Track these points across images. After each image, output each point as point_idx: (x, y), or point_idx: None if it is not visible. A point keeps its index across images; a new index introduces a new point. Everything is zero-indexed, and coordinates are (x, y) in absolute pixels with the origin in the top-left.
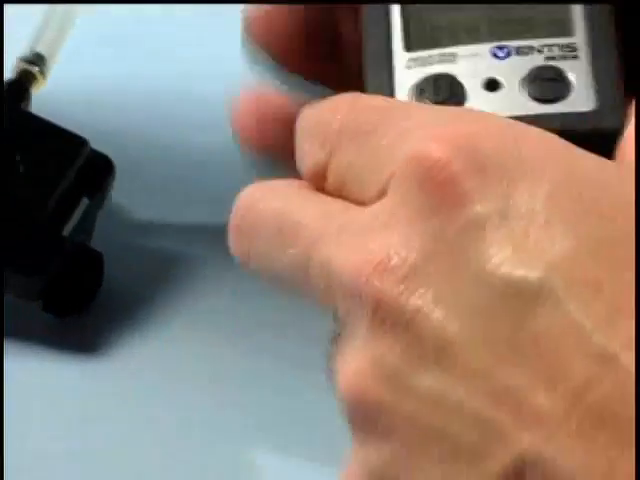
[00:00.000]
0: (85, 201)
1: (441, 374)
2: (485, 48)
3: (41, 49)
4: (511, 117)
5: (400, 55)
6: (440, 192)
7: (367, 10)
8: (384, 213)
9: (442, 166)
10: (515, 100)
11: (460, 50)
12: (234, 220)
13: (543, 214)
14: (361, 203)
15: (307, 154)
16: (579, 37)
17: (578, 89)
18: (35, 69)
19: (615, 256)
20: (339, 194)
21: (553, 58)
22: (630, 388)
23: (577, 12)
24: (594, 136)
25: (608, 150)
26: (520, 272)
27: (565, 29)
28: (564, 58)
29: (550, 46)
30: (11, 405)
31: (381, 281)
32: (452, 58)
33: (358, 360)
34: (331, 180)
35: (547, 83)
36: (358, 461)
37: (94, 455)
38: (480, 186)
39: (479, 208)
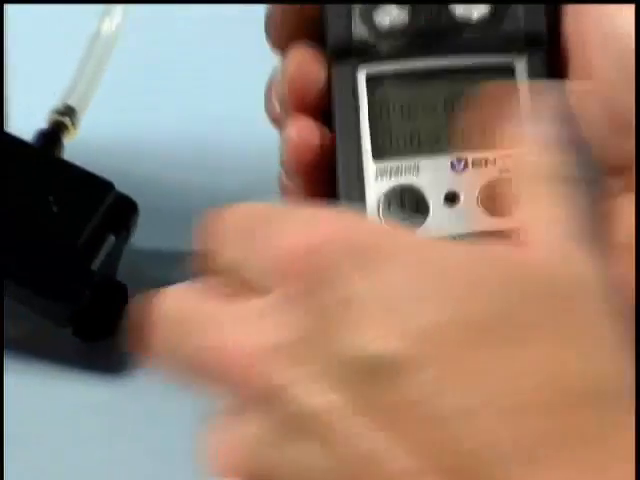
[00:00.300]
0: (112, 238)
1: (310, 446)
2: (445, 160)
3: (72, 102)
4: (468, 234)
5: (369, 164)
6: (306, 282)
7: (338, 117)
8: (265, 307)
9: (307, 262)
10: (472, 214)
11: (422, 162)
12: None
13: (396, 295)
14: (254, 293)
15: (204, 255)
16: None
17: None
18: (67, 120)
19: (474, 329)
20: (230, 287)
21: (507, 170)
22: (486, 441)
23: None
24: None
25: None
26: (379, 349)
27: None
28: None
29: (504, 158)
30: (42, 425)
31: (258, 365)
32: (416, 170)
33: (230, 439)
34: (223, 276)
35: (501, 198)
36: None
37: (122, 474)
38: (342, 275)
39: (341, 293)
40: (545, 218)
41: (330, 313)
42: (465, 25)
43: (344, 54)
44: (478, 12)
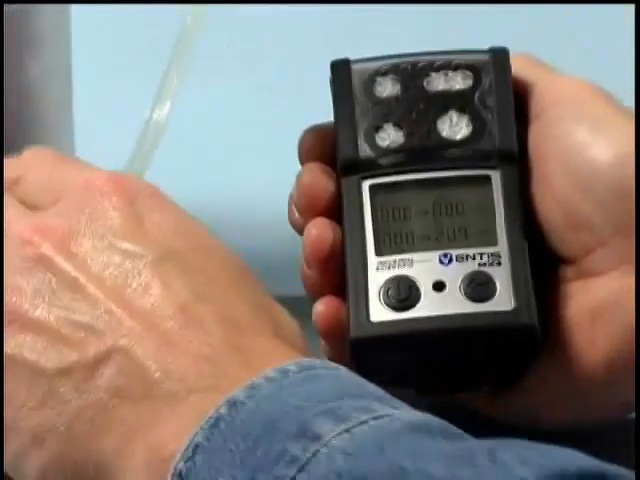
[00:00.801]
0: None
1: (70, 297)
2: (434, 255)
3: (135, 165)
4: (453, 315)
5: (372, 259)
6: (89, 195)
7: (346, 220)
8: (48, 211)
9: (93, 185)
10: (456, 300)
11: (415, 256)
12: None
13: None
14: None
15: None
16: (502, 246)
17: (501, 291)
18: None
19: (192, 248)
20: (25, 200)
21: (484, 264)
22: (195, 320)
23: (500, 222)
24: (512, 330)
25: (525, 341)
26: (133, 244)
27: (492, 239)
28: (492, 265)
29: (481, 254)
30: None
31: (38, 239)
32: (410, 263)
33: (14, 290)
34: (19, 192)
35: (479, 287)
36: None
37: None
38: (120, 197)
39: (117, 204)
40: None
41: (99, 211)
42: (450, 144)
43: (351, 168)
44: (461, 133)
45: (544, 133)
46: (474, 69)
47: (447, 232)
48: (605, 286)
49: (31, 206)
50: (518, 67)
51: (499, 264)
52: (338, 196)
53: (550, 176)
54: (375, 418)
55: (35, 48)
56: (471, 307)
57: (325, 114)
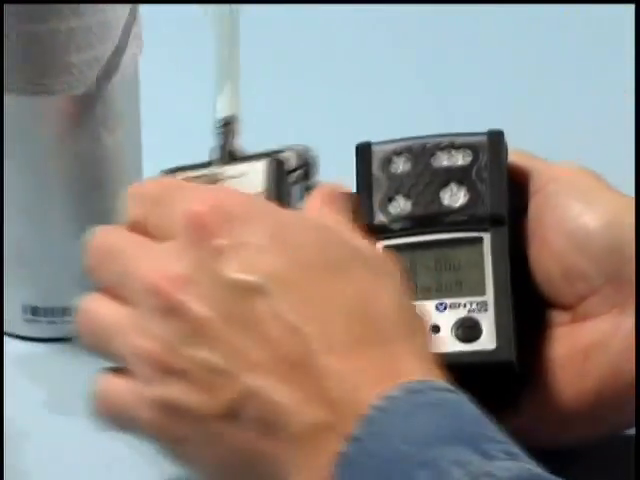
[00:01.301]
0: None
1: (198, 343)
2: (432, 303)
3: (227, 113)
4: (445, 354)
5: None
6: (198, 233)
7: None
8: (167, 245)
9: (201, 219)
10: (448, 340)
11: (417, 304)
12: (88, 256)
13: (257, 244)
14: (159, 239)
15: (128, 215)
16: (489, 295)
17: (486, 333)
18: (233, 128)
19: (309, 275)
20: (151, 231)
21: (473, 311)
22: (309, 350)
23: (489, 275)
24: (493, 365)
25: (505, 374)
26: (243, 275)
27: (481, 290)
28: (479, 311)
29: (471, 302)
30: None
31: (164, 285)
32: None
33: (152, 338)
34: (146, 224)
35: (467, 329)
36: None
37: None
38: (225, 230)
39: (222, 241)
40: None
41: (215, 252)
42: (450, 211)
43: (368, 232)
44: (460, 201)
45: (543, 204)
46: (473, 148)
47: (445, 284)
48: (598, 327)
49: (143, 231)
50: (517, 159)
51: (486, 310)
52: None
53: (549, 239)
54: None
55: (110, 123)
56: (460, 346)
57: None
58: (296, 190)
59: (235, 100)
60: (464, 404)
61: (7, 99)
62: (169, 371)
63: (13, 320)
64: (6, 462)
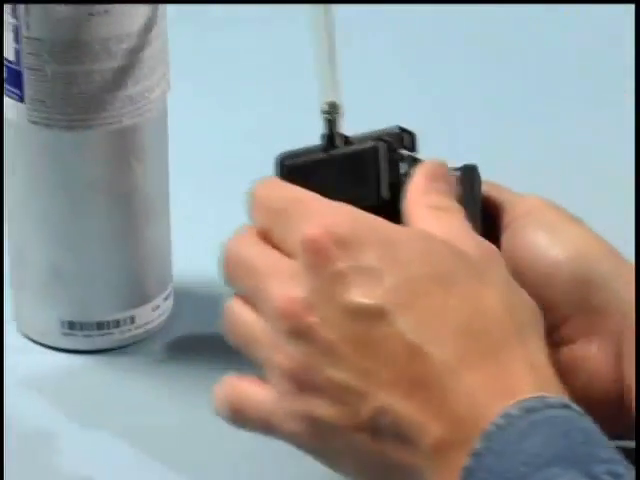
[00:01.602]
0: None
1: (330, 363)
2: None
3: (330, 99)
4: None
5: None
6: (318, 259)
7: None
8: (291, 270)
9: (319, 245)
10: None
11: None
12: (224, 267)
13: (369, 267)
14: (285, 253)
15: (256, 223)
16: None
17: None
18: (336, 115)
19: (421, 290)
20: (274, 245)
21: None
22: (431, 369)
23: None
24: None
25: None
26: (365, 300)
27: None
28: None
29: None
30: None
31: (290, 307)
32: None
33: (289, 358)
34: (271, 237)
35: None
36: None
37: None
38: (342, 254)
39: (341, 265)
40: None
41: (334, 278)
42: None
43: None
44: None
45: (513, 239)
46: None
47: None
48: (570, 353)
49: (269, 240)
50: (489, 190)
51: None
52: None
53: (520, 272)
54: None
55: (140, 154)
56: None
57: None
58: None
59: (338, 86)
60: (576, 421)
61: (47, 134)
62: (307, 388)
63: (52, 334)
64: (41, 470)
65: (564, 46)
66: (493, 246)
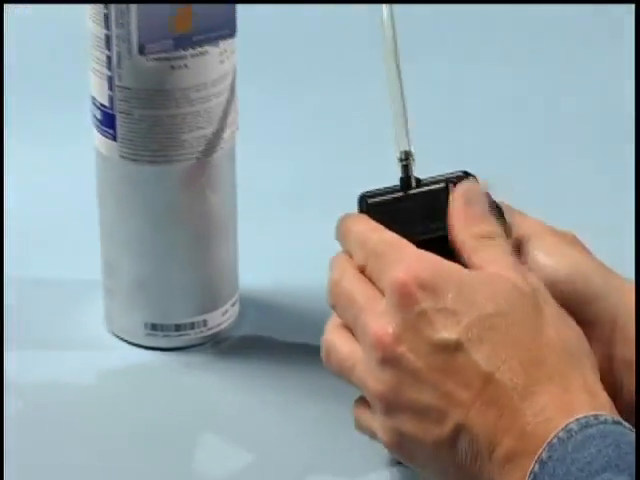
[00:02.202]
0: None
1: (416, 387)
2: None
3: (404, 148)
4: None
5: None
6: (405, 300)
7: None
8: (384, 306)
9: (407, 289)
10: None
11: None
12: (330, 294)
13: (448, 308)
14: (377, 288)
15: (355, 257)
16: None
17: None
18: (411, 161)
19: (491, 326)
20: (370, 278)
21: None
22: (502, 392)
23: None
24: None
25: None
26: (445, 335)
27: None
28: None
29: None
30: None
31: (383, 339)
32: None
33: (381, 382)
34: (367, 272)
35: None
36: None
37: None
38: (425, 296)
39: (424, 306)
40: (501, 259)
41: (419, 317)
42: None
43: None
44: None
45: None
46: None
47: None
48: None
49: (365, 273)
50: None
51: None
52: None
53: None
54: None
55: (213, 185)
56: None
57: None
58: None
59: (410, 135)
60: (625, 435)
61: (134, 167)
62: (396, 407)
63: (137, 334)
64: (127, 448)
65: (564, 46)
66: (536, 277)
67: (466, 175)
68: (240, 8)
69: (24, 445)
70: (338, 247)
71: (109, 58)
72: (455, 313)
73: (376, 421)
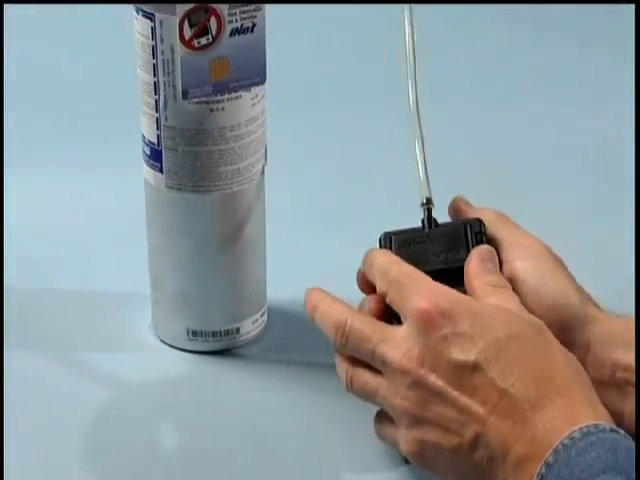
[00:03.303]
0: None
1: (439, 402)
2: None
3: (426, 194)
4: None
5: None
6: (428, 326)
7: None
8: (404, 332)
9: (429, 316)
10: None
11: None
12: (336, 337)
13: (466, 333)
14: (394, 308)
15: (377, 285)
16: None
17: None
18: (431, 205)
19: (504, 347)
20: (390, 304)
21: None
22: (516, 405)
23: None
24: None
25: None
26: (464, 357)
27: None
28: None
29: None
30: None
31: (408, 363)
32: None
33: (407, 399)
34: (388, 299)
35: None
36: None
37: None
38: (445, 323)
39: (445, 331)
40: (509, 301)
41: (440, 340)
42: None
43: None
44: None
45: (510, 274)
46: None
47: None
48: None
49: (382, 300)
50: (493, 220)
51: None
52: None
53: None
54: None
55: (245, 211)
56: None
57: None
58: None
59: (429, 182)
60: (621, 441)
61: (178, 195)
62: (421, 421)
63: (179, 339)
64: (168, 440)
65: (564, 46)
66: (538, 319)
67: (478, 220)
68: (268, 59)
69: (86, 436)
70: (354, 265)
71: (157, 102)
72: (472, 337)
73: (400, 433)
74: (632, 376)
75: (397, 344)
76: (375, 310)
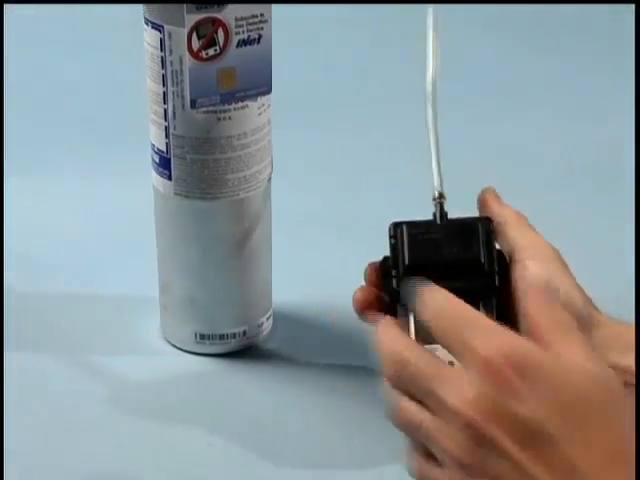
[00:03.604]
0: None
1: (500, 459)
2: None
3: (438, 189)
4: None
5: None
6: (495, 378)
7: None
8: (466, 378)
9: (498, 368)
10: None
11: (438, 346)
12: (387, 368)
13: (537, 394)
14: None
15: (422, 316)
16: None
17: None
18: (443, 200)
19: (572, 417)
20: (445, 347)
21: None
22: (579, 476)
23: None
24: None
25: None
26: (531, 417)
27: None
28: None
29: None
30: None
31: (466, 410)
32: (436, 349)
33: (462, 448)
34: (443, 343)
35: None
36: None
37: None
38: (517, 380)
39: (510, 388)
40: (581, 351)
41: (505, 395)
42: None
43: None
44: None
45: (517, 274)
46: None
47: None
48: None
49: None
50: (512, 219)
51: None
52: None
53: (518, 298)
54: None
55: (251, 217)
56: None
57: None
58: None
59: (442, 175)
60: None
61: (187, 202)
62: (471, 470)
63: (187, 342)
64: (175, 444)
65: (564, 46)
66: (612, 372)
67: (489, 220)
68: (274, 69)
69: (94, 438)
70: (358, 269)
71: (165, 111)
72: (539, 398)
73: (445, 474)
74: (631, 378)
75: (455, 386)
76: (373, 277)
